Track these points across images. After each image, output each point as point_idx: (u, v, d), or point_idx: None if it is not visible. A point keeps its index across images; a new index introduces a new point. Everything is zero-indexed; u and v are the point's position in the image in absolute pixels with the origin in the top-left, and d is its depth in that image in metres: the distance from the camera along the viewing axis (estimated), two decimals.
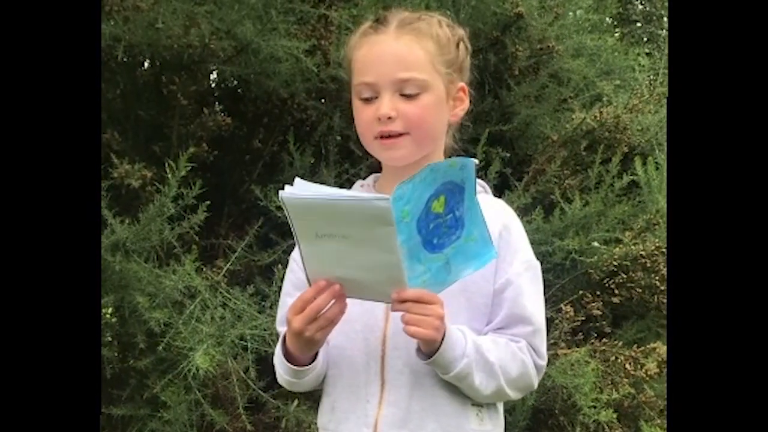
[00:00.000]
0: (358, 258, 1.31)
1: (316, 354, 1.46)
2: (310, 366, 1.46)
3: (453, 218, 1.34)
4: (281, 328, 1.54)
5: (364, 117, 1.48)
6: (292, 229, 1.31)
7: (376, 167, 1.61)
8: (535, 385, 1.54)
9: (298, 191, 1.29)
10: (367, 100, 1.47)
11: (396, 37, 1.47)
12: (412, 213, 1.29)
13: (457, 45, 1.53)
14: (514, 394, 1.50)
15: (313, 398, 2.43)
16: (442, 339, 1.39)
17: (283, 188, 1.31)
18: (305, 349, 1.43)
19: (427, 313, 1.36)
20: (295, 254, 1.57)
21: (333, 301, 1.36)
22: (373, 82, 1.46)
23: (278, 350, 1.49)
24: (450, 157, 1.55)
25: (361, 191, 1.58)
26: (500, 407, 1.55)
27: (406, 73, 1.45)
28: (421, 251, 1.32)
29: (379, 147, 1.49)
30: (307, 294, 1.36)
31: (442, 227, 1.34)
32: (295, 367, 1.46)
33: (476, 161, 1.33)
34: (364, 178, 1.65)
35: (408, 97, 1.45)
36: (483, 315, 1.49)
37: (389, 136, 1.47)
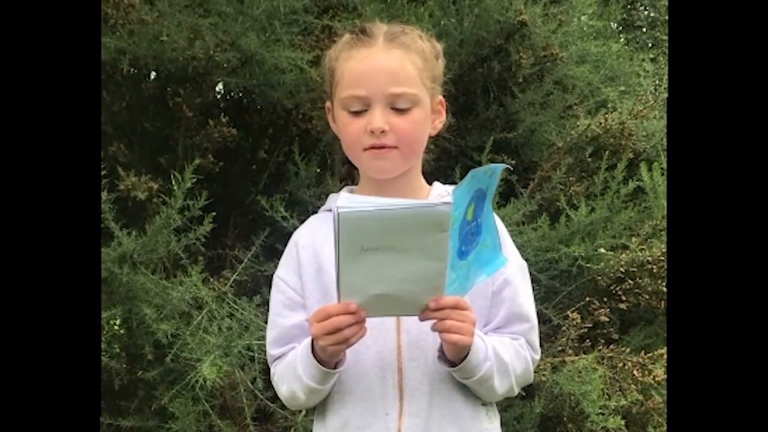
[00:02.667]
0: (403, 269, 1.29)
1: (341, 359, 1.46)
2: (339, 369, 1.45)
3: (476, 225, 1.35)
4: (274, 350, 1.55)
5: (353, 129, 1.47)
6: (335, 246, 1.28)
7: None
8: (532, 379, 1.59)
9: (351, 205, 1.26)
10: (357, 113, 1.47)
11: (386, 50, 1.47)
12: (458, 219, 1.29)
13: (437, 58, 1.54)
14: (517, 390, 1.55)
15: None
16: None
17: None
18: (323, 354, 1.42)
19: (465, 319, 1.37)
20: (280, 273, 1.57)
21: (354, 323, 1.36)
22: (365, 96, 1.45)
23: (303, 358, 1.46)
24: (425, 170, 1.58)
25: None
26: (495, 404, 1.58)
27: (399, 87, 1.45)
28: (455, 258, 1.33)
29: (368, 157, 1.48)
30: (333, 309, 1.35)
31: (469, 234, 1.34)
32: (326, 369, 1.43)
33: (509, 167, 1.33)
34: (337, 192, 1.63)
35: (399, 111, 1.46)
36: (482, 317, 1.51)
37: (380, 147, 1.46)
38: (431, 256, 1.28)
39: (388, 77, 1.45)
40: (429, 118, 1.52)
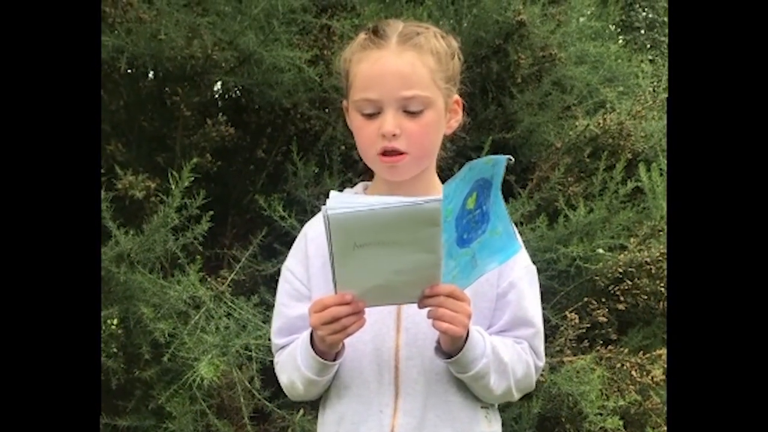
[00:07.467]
0: (396, 262, 1.30)
1: (339, 352, 1.47)
2: (337, 361, 1.46)
3: (481, 213, 1.36)
4: (278, 340, 1.57)
5: (367, 133, 1.48)
6: (328, 244, 1.29)
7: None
8: (534, 386, 1.58)
9: (340, 205, 1.27)
10: (370, 116, 1.47)
11: (398, 53, 1.46)
12: (454, 211, 1.30)
13: (452, 57, 1.53)
14: (518, 395, 1.54)
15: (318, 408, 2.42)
16: (466, 338, 1.41)
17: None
18: (323, 345, 1.43)
19: (459, 309, 1.37)
20: (289, 264, 1.59)
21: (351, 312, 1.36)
22: (377, 99, 1.45)
23: (302, 349, 1.47)
24: (440, 167, 1.59)
25: None
26: (496, 406, 1.58)
27: (410, 91, 1.44)
28: (453, 247, 1.33)
29: (381, 165, 1.49)
30: (329, 300, 1.36)
31: (472, 222, 1.35)
32: (324, 361, 1.45)
33: (511, 158, 1.34)
34: (352, 186, 1.65)
35: (411, 114, 1.45)
36: (486, 319, 1.52)
37: (392, 155, 1.46)
38: (424, 249, 1.30)
39: (400, 80, 1.45)
40: (443, 119, 1.51)
